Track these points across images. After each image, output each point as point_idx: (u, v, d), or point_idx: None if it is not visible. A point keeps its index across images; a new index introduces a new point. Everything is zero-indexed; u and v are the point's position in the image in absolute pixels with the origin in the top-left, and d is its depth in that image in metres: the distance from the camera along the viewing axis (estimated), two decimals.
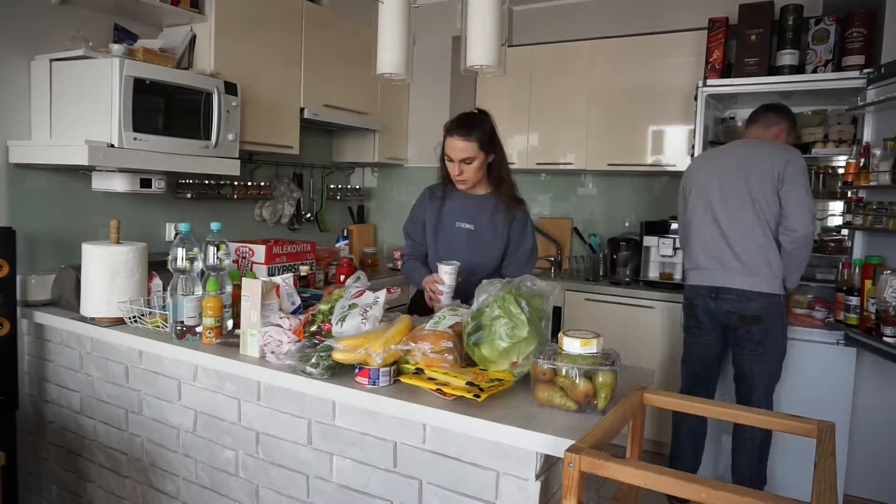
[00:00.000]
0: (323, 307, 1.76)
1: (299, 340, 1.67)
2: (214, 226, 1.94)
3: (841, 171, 3.09)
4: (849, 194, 2.93)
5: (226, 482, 1.86)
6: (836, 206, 3.25)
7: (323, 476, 1.66)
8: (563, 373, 1.39)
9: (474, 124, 2.19)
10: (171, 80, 2.33)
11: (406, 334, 1.57)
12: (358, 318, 1.65)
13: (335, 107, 3.44)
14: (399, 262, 3.93)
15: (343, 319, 1.67)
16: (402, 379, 1.55)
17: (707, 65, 3.26)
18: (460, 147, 2.16)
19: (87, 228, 2.54)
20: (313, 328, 1.71)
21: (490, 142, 2.21)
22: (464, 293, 2.05)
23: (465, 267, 2.20)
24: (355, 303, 1.71)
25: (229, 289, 1.90)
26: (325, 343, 1.63)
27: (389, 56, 1.92)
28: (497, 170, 2.28)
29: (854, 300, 2.76)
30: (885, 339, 2.50)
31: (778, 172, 2.48)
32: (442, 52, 3.91)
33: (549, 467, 1.37)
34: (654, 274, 3.57)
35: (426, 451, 1.48)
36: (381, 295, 1.71)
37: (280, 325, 1.69)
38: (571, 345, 1.41)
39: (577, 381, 1.38)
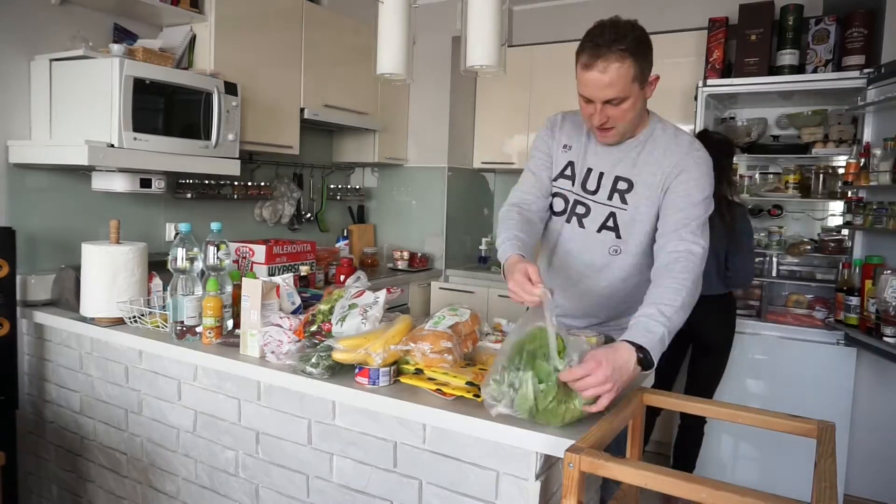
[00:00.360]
0: (323, 307, 1.76)
1: (299, 340, 1.67)
2: (214, 226, 1.94)
3: (841, 171, 3.10)
4: (849, 194, 2.93)
5: (226, 482, 1.86)
6: (836, 206, 3.25)
7: (323, 476, 1.66)
8: None
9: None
10: (171, 80, 2.33)
11: (406, 334, 1.57)
12: (358, 318, 1.65)
13: (335, 107, 3.44)
14: (399, 262, 3.93)
15: (343, 319, 1.67)
16: (402, 379, 1.55)
17: (707, 65, 3.26)
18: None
19: (87, 228, 2.54)
20: (313, 328, 1.71)
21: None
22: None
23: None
24: (355, 303, 1.71)
25: (229, 289, 1.90)
26: (325, 343, 1.63)
27: (389, 56, 1.92)
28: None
29: (854, 300, 2.76)
30: (885, 338, 2.50)
31: None
32: (442, 52, 3.91)
33: (549, 467, 1.37)
34: None
35: (426, 451, 1.48)
36: (381, 295, 1.71)
37: (280, 325, 1.69)
38: None
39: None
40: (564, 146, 1.77)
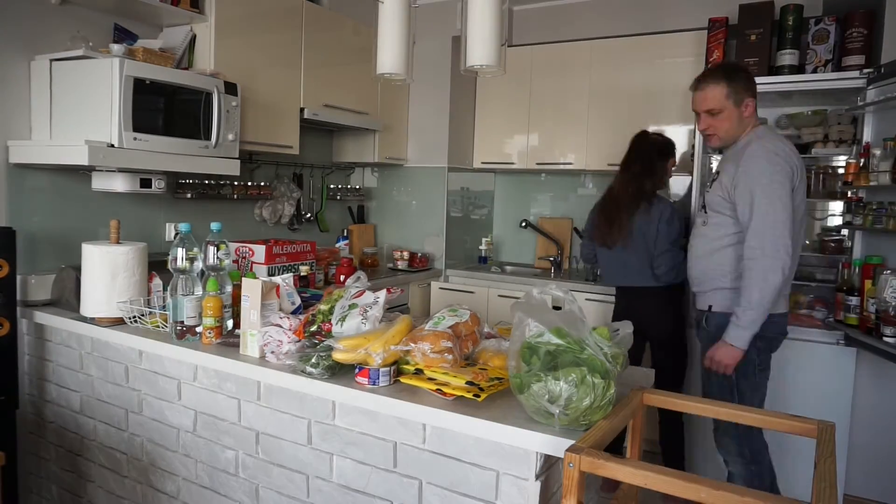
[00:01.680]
0: (323, 307, 1.76)
1: (299, 340, 1.68)
2: (214, 226, 1.94)
3: (841, 171, 3.09)
4: (849, 194, 2.93)
5: (226, 482, 1.87)
6: (836, 206, 3.25)
7: (323, 476, 1.66)
8: None
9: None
10: (171, 80, 2.33)
11: (406, 334, 1.57)
12: (358, 318, 1.65)
13: (335, 107, 3.44)
14: (399, 262, 3.93)
15: (343, 319, 1.67)
16: (402, 379, 1.55)
17: (707, 65, 3.25)
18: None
19: (87, 228, 2.54)
20: (313, 328, 1.71)
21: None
22: None
23: None
24: (355, 303, 1.71)
25: (229, 289, 1.90)
26: (325, 343, 1.63)
27: (389, 56, 1.92)
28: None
29: (854, 300, 2.76)
30: (885, 338, 2.50)
31: None
32: (442, 52, 3.91)
33: (549, 467, 1.37)
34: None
35: (426, 451, 1.48)
36: (381, 295, 1.71)
37: (280, 325, 1.69)
38: None
39: None
40: None
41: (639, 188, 2.79)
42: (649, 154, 2.85)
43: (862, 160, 2.77)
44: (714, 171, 2.19)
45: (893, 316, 2.47)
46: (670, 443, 2.95)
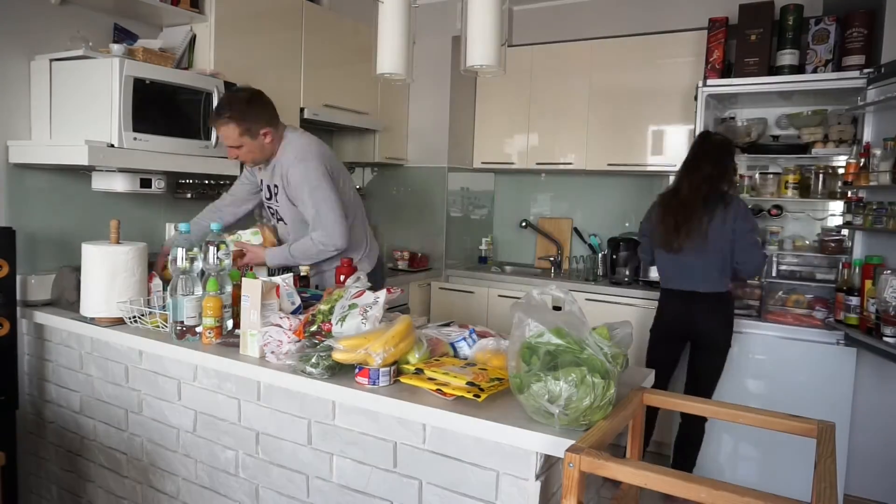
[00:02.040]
0: (323, 307, 1.76)
1: (299, 340, 1.67)
2: (214, 226, 1.94)
3: (841, 171, 3.10)
4: (849, 194, 2.93)
5: (226, 482, 1.86)
6: (837, 206, 3.25)
7: (323, 476, 1.66)
8: None
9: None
10: (171, 80, 2.33)
11: (406, 334, 1.57)
12: (358, 318, 1.64)
13: (335, 107, 3.44)
14: (399, 262, 3.93)
15: (343, 319, 1.67)
16: (402, 379, 1.55)
17: (707, 65, 3.26)
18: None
19: (87, 228, 2.53)
20: (313, 328, 1.71)
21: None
22: None
23: None
24: (355, 303, 1.71)
25: (229, 289, 1.90)
26: (325, 343, 1.63)
27: (389, 56, 1.92)
28: None
29: (854, 300, 2.76)
30: (885, 338, 2.50)
31: None
32: (442, 52, 3.91)
33: (549, 467, 1.37)
34: (654, 274, 3.57)
35: (426, 451, 1.48)
36: (382, 295, 1.71)
37: (280, 325, 1.69)
38: None
39: None
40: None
41: (712, 190, 2.67)
42: (718, 154, 2.72)
43: (862, 160, 2.77)
44: (269, 187, 2.41)
45: (893, 316, 2.47)
46: (686, 447, 2.92)
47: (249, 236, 2.40)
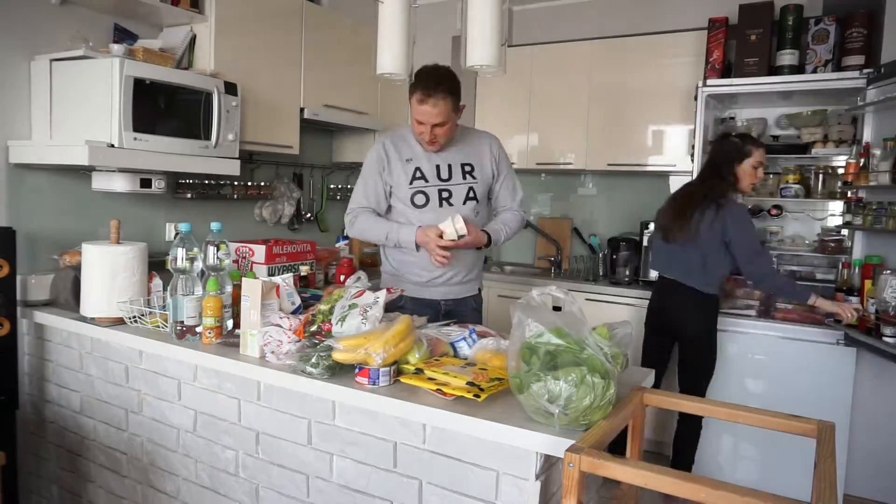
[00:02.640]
0: (323, 307, 1.76)
1: (299, 340, 1.67)
2: (214, 226, 1.94)
3: (841, 171, 3.10)
4: (848, 194, 2.93)
5: (226, 482, 1.87)
6: (836, 206, 3.25)
7: (323, 476, 1.66)
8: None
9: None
10: (171, 80, 2.33)
11: (406, 334, 1.57)
12: (358, 318, 1.65)
13: (335, 107, 3.44)
14: None
15: (343, 319, 1.67)
16: (402, 379, 1.56)
17: (707, 65, 3.26)
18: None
19: (87, 228, 2.54)
20: (313, 328, 1.71)
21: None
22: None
23: None
24: (355, 303, 1.71)
25: (229, 289, 1.90)
26: (325, 343, 1.63)
27: (389, 56, 1.93)
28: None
29: (854, 300, 2.76)
30: (884, 338, 2.50)
31: None
32: (442, 52, 3.91)
33: (549, 467, 1.37)
34: (654, 274, 3.57)
35: (426, 451, 1.48)
36: (381, 295, 1.71)
37: (280, 325, 1.69)
38: None
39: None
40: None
41: (709, 190, 2.72)
42: (717, 158, 2.77)
43: (862, 160, 2.77)
44: (452, 167, 2.27)
45: (893, 316, 2.48)
46: (684, 443, 2.93)
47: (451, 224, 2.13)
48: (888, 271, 2.59)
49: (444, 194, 2.24)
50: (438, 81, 2.05)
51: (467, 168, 2.25)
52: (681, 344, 2.87)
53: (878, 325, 2.58)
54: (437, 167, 2.25)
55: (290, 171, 3.63)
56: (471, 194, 2.24)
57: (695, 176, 3.16)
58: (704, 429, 2.90)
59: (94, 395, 2.17)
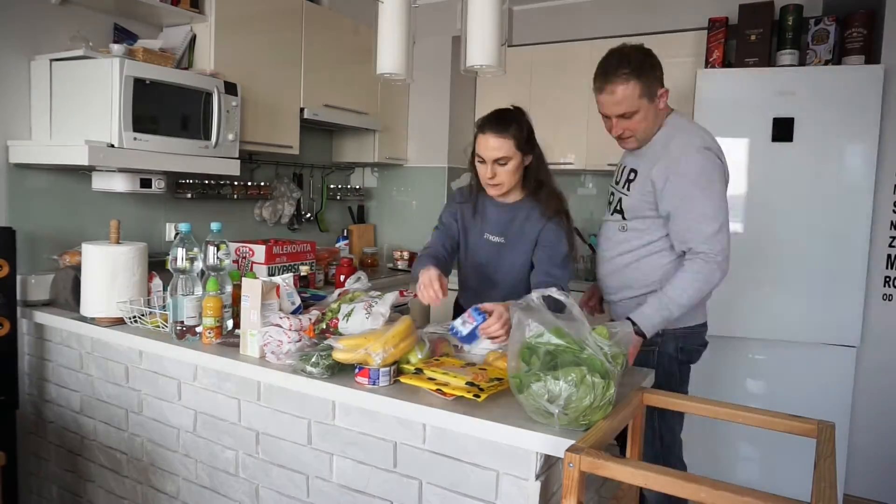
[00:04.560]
0: (333, 306, 1.78)
1: (300, 340, 1.68)
2: (214, 226, 1.94)
3: None
4: None
5: (226, 482, 1.87)
6: None
7: (323, 476, 1.66)
8: None
9: (510, 120, 1.91)
10: (171, 80, 2.33)
11: (406, 334, 1.57)
12: (362, 314, 1.65)
13: (335, 107, 3.44)
14: (399, 262, 3.94)
15: (349, 315, 1.68)
16: (402, 379, 1.56)
17: (707, 65, 3.25)
18: (494, 145, 1.88)
19: (87, 228, 2.54)
20: (322, 325, 1.73)
21: (527, 142, 1.93)
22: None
23: (489, 279, 2.02)
24: (362, 298, 1.72)
25: (229, 289, 1.90)
26: (325, 343, 1.64)
27: (389, 56, 1.92)
28: (534, 173, 1.99)
29: None
30: None
31: None
32: (442, 52, 3.91)
33: (549, 467, 1.37)
34: None
35: (426, 451, 1.48)
36: (390, 296, 1.72)
37: (280, 325, 1.69)
38: None
39: None
40: None
41: None
42: None
43: None
44: (624, 170, 1.98)
45: None
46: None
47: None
48: None
49: (610, 199, 2.10)
50: (622, 60, 1.81)
51: (631, 175, 1.99)
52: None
53: None
54: (622, 168, 2.10)
55: (290, 171, 3.63)
56: (618, 206, 2.00)
57: None
58: (706, 429, 2.90)
59: (94, 395, 2.17)
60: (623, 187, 1.96)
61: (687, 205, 1.76)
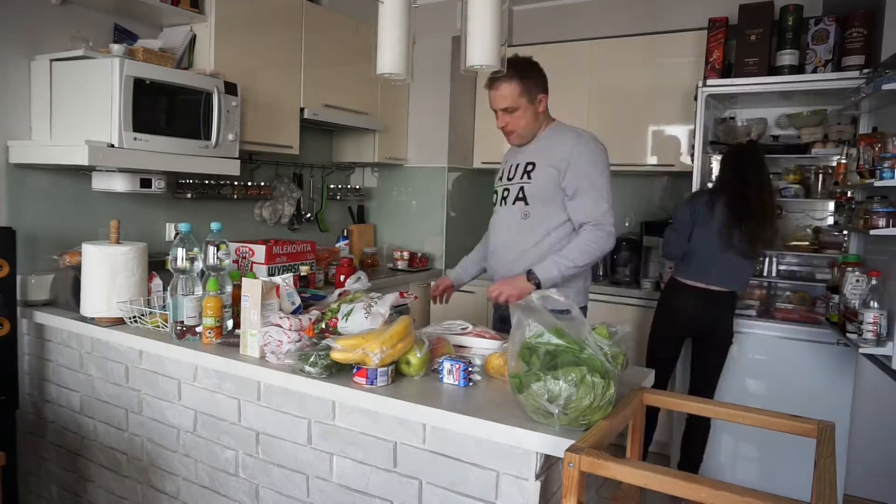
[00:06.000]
0: (334, 306, 1.77)
1: (300, 340, 1.68)
2: (214, 226, 1.94)
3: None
4: (838, 193, 2.94)
5: (226, 482, 1.87)
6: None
7: (323, 476, 1.66)
8: None
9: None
10: (171, 80, 2.33)
11: (404, 334, 1.57)
12: (361, 314, 1.65)
13: (335, 107, 3.44)
14: (399, 262, 3.93)
15: (348, 315, 1.68)
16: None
17: (707, 65, 3.26)
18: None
19: (87, 228, 2.54)
20: (322, 325, 1.72)
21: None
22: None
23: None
24: (362, 298, 1.72)
25: (229, 289, 1.90)
26: (324, 343, 1.64)
27: (389, 56, 1.92)
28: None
29: (836, 298, 2.76)
30: (847, 334, 2.47)
31: None
32: (442, 52, 3.91)
33: (548, 467, 1.38)
34: (653, 274, 3.57)
35: (426, 451, 1.48)
36: (391, 296, 1.72)
37: (280, 325, 1.69)
38: None
39: None
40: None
41: (773, 197, 2.75)
42: (764, 164, 2.79)
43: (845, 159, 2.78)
44: (517, 166, 2.20)
45: (852, 312, 2.46)
46: (693, 444, 2.94)
47: None
48: (851, 268, 2.58)
49: (504, 193, 2.23)
50: (508, 66, 1.97)
51: (529, 167, 2.16)
52: (712, 348, 2.87)
53: (843, 321, 2.55)
54: (511, 166, 2.23)
55: (290, 171, 3.63)
56: (519, 195, 2.16)
57: (696, 174, 3.18)
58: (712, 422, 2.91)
59: (94, 395, 2.17)
60: (522, 178, 2.17)
61: (587, 184, 2.06)
